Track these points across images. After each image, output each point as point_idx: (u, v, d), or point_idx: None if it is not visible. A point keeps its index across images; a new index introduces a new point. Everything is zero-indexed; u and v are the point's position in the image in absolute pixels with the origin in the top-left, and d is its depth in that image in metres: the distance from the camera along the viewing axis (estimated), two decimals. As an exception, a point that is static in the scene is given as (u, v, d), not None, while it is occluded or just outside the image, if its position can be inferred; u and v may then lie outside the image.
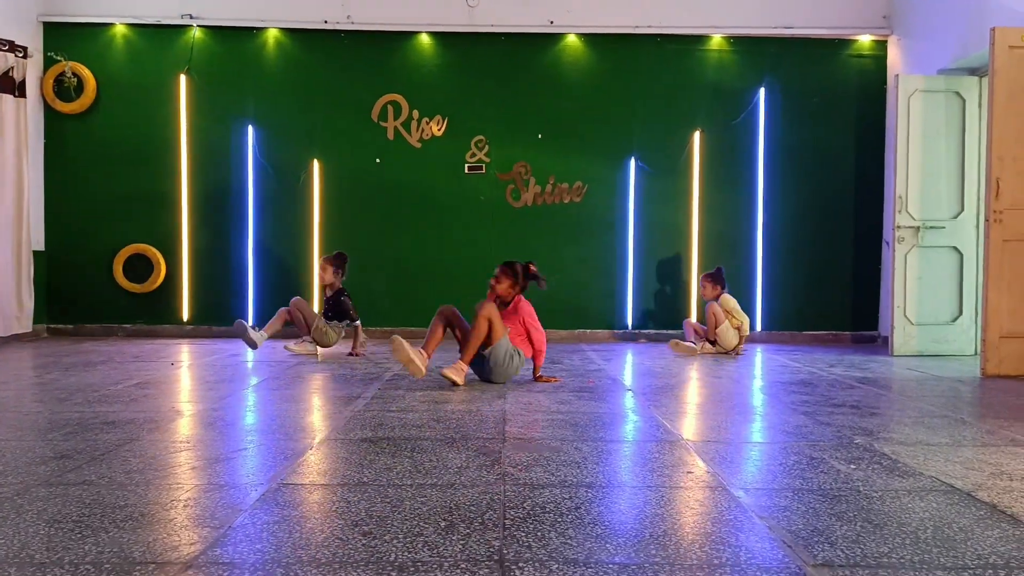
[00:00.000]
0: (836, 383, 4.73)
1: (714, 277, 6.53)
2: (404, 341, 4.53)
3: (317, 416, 3.57)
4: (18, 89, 6.81)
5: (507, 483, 2.41)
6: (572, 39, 7.37)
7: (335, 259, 6.26)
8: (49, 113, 7.27)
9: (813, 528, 2.03)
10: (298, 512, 2.13)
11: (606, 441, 3.06)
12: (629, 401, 4.06)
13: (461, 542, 1.90)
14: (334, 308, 6.29)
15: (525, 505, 2.19)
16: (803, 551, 1.86)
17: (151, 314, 7.38)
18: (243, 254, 7.36)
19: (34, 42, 7.11)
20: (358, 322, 6.22)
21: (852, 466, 2.68)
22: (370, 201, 7.38)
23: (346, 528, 1.99)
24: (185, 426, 3.27)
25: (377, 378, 4.77)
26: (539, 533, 1.96)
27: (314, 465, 2.63)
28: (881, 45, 7.39)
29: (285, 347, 6.37)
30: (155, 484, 2.38)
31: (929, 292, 6.39)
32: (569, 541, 1.91)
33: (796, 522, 2.08)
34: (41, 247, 7.26)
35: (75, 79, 7.14)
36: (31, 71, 7.03)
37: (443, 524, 2.02)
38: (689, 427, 3.35)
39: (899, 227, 6.35)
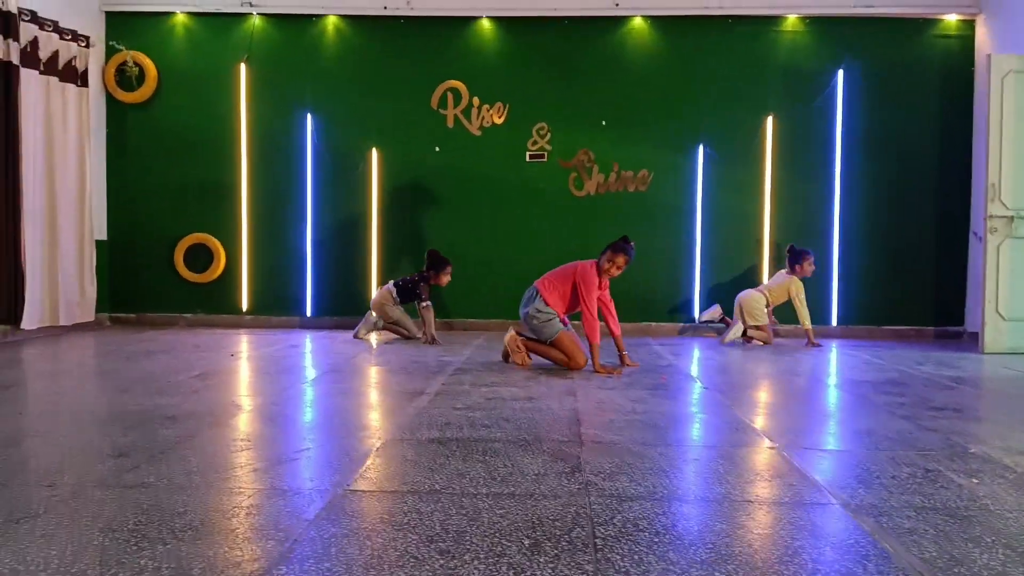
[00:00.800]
0: (930, 383, 4.39)
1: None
2: (512, 337, 4.83)
3: (380, 413, 3.41)
4: (80, 79, 6.82)
5: (591, 494, 2.20)
6: (638, 22, 7.09)
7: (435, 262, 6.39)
8: (111, 102, 7.27)
9: (949, 556, 1.78)
10: (367, 524, 1.95)
11: (691, 446, 2.83)
12: (707, 399, 3.81)
13: (550, 565, 1.69)
14: (405, 290, 6.32)
15: (615, 521, 1.97)
16: (945, 585, 1.62)
17: (211, 304, 7.35)
18: (302, 244, 7.28)
19: (96, 31, 7.11)
20: (427, 303, 6.21)
21: (974, 480, 2.40)
22: (429, 190, 7.23)
23: (421, 544, 1.80)
24: (245, 422, 3.14)
25: (440, 371, 4.61)
26: (636, 556, 1.75)
27: (380, 469, 2.46)
28: (968, 24, 6.94)
29: (354, 335, 6.31)
30: (215, 487, 2.23)
31: (1023, 285, 5.97)
32: (672, 567, 1.69)
33: (928, 548, 1.82)
34: (103, 236, 7.28)
35: (136, 68, 7.13)
36: (93, 60, 7.03)
37: (527, 542, 1.82)
38: (778, 430, 3.09)
39: (991, 217, 5.93)
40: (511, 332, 4.82)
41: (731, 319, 6.62)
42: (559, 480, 2.33)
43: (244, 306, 7.34)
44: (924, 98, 6.96)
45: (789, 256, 6.53)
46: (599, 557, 1.73)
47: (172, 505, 2.06)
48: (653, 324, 7.17)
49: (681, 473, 2.43)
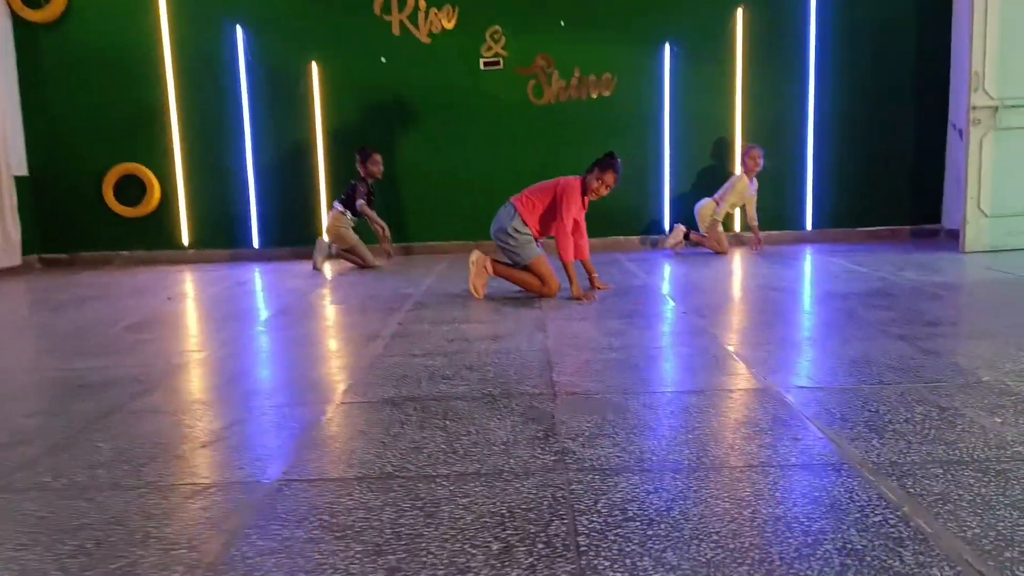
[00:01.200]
0: (917, 291, 4.14)
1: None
2: (481, 258, 4.43)
3: (331, 366, 3.06)
4: (-23, -4, 6.09)
5: (569, 468, 1.89)
6: (595, -93, 6.47)
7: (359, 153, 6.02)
8: (18, 23, 6.56)
9: (996, 533, 1.50)
10: (301, 532, 1.61)
11: (678, 392, 2.52)
12: (684, 325, 3.51)
13: (525, 582, 1.38)
14: (350, 201, 6.01)
15: (600, 508, 1.66)
16: (1003, 580, 1.34)
17: (149, 240, 6.85)
18: (243, 169, 6.76)
19: (-11, -59, 6.33)
20: (361, 201, 5.92)
21: (997, 419, 2.13)
22: (376, 105, 6.69)
23: (366, 560, 1.48)
24: (175, 389, 2.77)
25: (398, 306, 4.25)
26: (628, 560, 1.44)
27: (325, 446, 2.12)
28: None
29: (313, 266, 5.92)
30: (122, 487, 1.87)
31: (1005, 180, 5.70)
32: (672, 573, 1.39)
33: (968, 522, 1.54)
34: (24, 172, 6.68)
35: (40, -19, 6.39)
36: (-10, -26, 6.28)
37: (496, 547, 1.51)
38: (771, 364, 2.80)
39: (974, 108, 5.60)
40: (476, 253, 4.45)
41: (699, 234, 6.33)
42: (532, 449, 2.01)
43: (185, 240, 6.86)
44: (902, -18, 6.51)
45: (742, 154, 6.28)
46: (584, 565, 1.43)
47: (64, 518, 1.71)
48: (622, 238, 6.84)
49: (671, 432, 2.13)
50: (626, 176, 6.77)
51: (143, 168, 6.67)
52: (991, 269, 4.90)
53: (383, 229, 6.00)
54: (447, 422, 2.26)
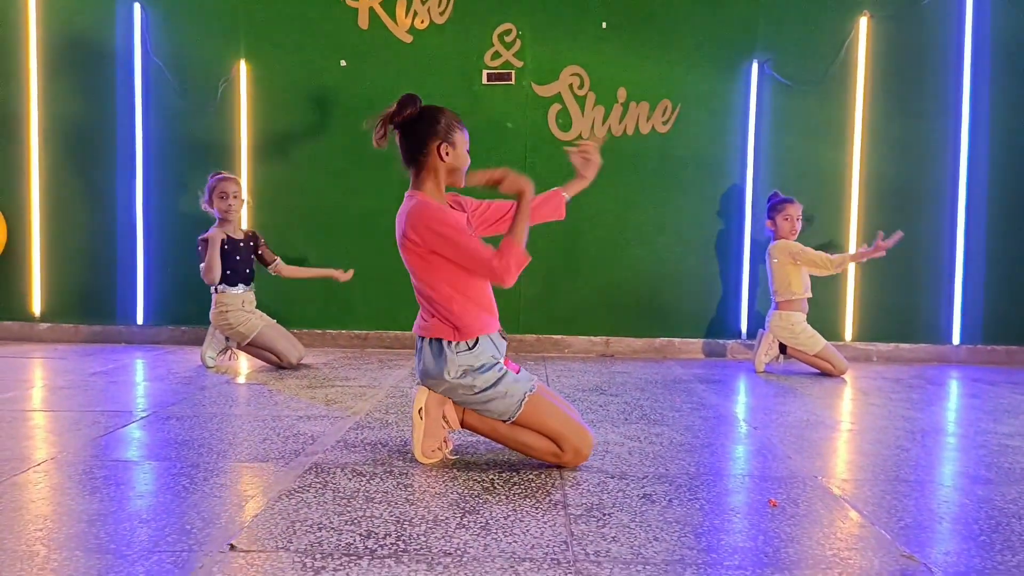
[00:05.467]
0: None
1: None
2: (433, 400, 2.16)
3: None
4: None
5: None
6: None
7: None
8: None
9: None
10: None
11: None
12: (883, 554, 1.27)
13: None
14: (243, 261, 3.94)
15: None
16: None
17: (-20, 305, 4.69)
18: (130, 208, 4.64)
19: None
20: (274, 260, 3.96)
21: None
22: (331, 127, 4.62)
23: None
24: None
25: (283, 464, 2.02)
26: None
27: None
28: None
29: (203, 360, 3.80)
30: None
31: None
32: None
33: None
34: None
35: None
36: None
37: None
38: None
39: None
40: (425, 393, 2.20)
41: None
42: None
43: (36, 309, 4.69)
44: (1101, -8, 4.47)
45: (767, 215, 4.15)
46: None
47: None
48: (676, 341, 4.63)
49: None
50: (686, 250, 4.66)
51: (-18, 200, 4.59)
52: None
53: (327, 274, 3.95)
54: None
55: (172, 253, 4.65)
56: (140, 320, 4.68)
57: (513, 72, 4.56)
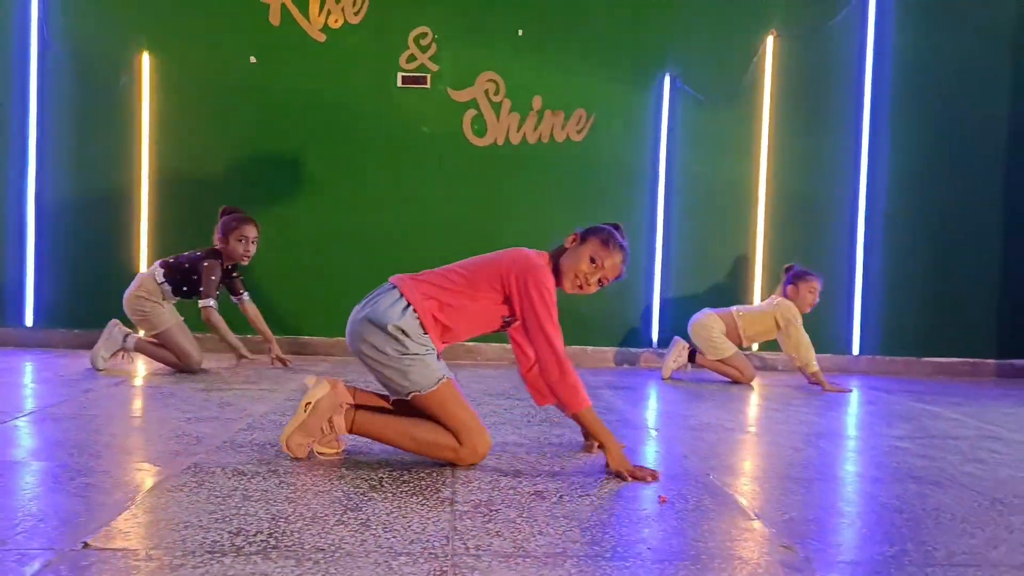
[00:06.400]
0: None
1: None
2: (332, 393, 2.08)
3: None
4: None
5: None
6: None
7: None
8: None
9: None
10: None
11: None
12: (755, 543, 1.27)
13: None
14: (180, 271, 3.79)
15: None
16: None
17: None
18: (20, 207, 4.40)
19: None
20: (208, 301, 3.73)
21: None
22: (238, 127, 4.48)
23: None
24: None
25: (177, 451, 1.90)
26: None
27: None
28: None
29: (92, 363, 3.61)
30: None
31: None
32: None
33: None
34: None
35: None
36: None
37: None
38: None
39: None
40: (321, 382, 2.13)
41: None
42: None
43: (-88, 309, 4.40)
44: (996, 9, 4.70)
45: (785, 275, 4.12)
46: None
47: None
48: (589, 349, 4.64)
49: None
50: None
51: None
52: None
53: (269, 340, 3.89)
54: None
55: (67, 251, 4.42)
56: (29, 322, 4.43)
57: (428, 76, 4.52)
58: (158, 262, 3.73)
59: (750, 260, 4.65)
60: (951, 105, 4.67)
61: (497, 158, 4.56)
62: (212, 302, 3.65)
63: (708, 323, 4.04)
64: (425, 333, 2.04)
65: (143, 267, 4.40)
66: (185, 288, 3.68)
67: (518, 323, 2.15)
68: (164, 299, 3.68)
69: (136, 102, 4.42)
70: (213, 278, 3.64)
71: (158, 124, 4.44)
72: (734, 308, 4.11)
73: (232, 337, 3.79)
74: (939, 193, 4.69)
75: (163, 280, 3.66)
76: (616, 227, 2.22)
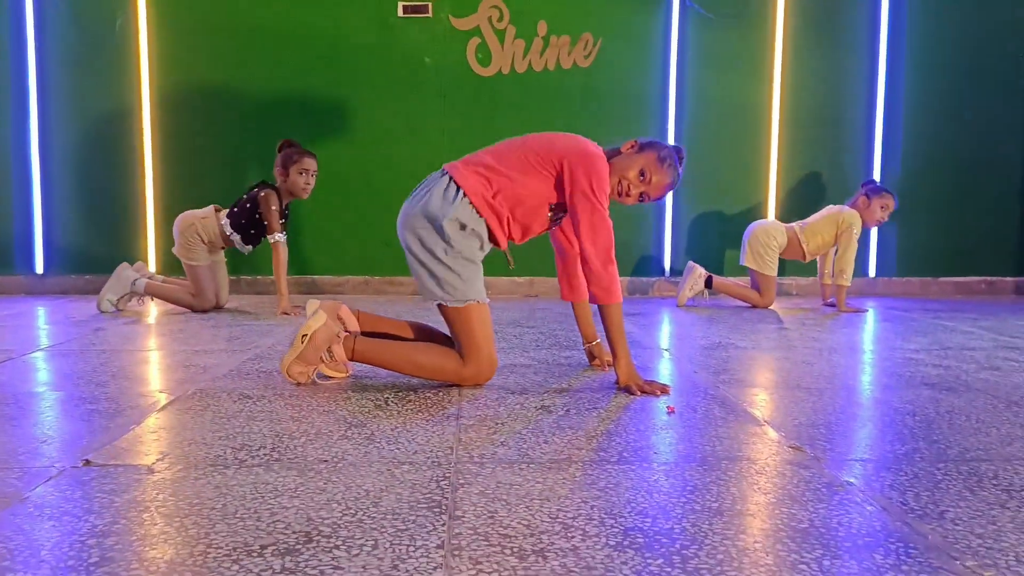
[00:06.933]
0: None
1: None
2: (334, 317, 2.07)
3: None
4: None
5: None
6: None
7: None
8: None
9: None
10: None
11: None
12: (768, 449, 1.24)
13: None
14: (244, 214, 3.67)
15: None
16: None
17: None
18: (23, 155, 4.38)
19: None
20: (278, 236, 3.61)
21: None
22: (239, 67, 4.41)
23: None
24: None
25: (184, 380, 1.90)
26: None
27: None
28: None
29: (98, 307, 3.61)
30: None
31: None
32: None
33: None
34: None
35: None
36: None
37: None
38: None
39: None
40: (321, 307, 2.09)
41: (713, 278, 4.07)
42: None
43: (-76, 258, 4.42)
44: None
45: (862, 188, 4.01)
46: None
47: None
48: (601, 279, 4.58)
49: None
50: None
51: None
52: None
53: (282, 294, 3.65)
54: None
55: (74, 197, 4.41)
56: (40, 269, 4.44)
57: (430, 4, 4.40)
58: (224, 212, 3.66)
59: (764, 184, 4.56)
60: (971, 20, 4.49)
61: (502, 88, 4.47)
62: (280, 236, 3.54)
63: (773, 231, 3.96)
64: (480, 217, 1.98)
65: (149, 206, 4.38)
66: (253, 231, 3.60)
67: (566, 216, 2.11)
68: (214, 250, 3.65)
69: (134, 42, 4.35)
70: (274, 208, 3.53)
71: (157, 64, 4.37)
72: (795, 223, 4.04)
73: (285, 285, 3.66)
74: (957, 112, 4.56)
75: (231, 231, 3.60)
76: (678, 150, 2.15)
